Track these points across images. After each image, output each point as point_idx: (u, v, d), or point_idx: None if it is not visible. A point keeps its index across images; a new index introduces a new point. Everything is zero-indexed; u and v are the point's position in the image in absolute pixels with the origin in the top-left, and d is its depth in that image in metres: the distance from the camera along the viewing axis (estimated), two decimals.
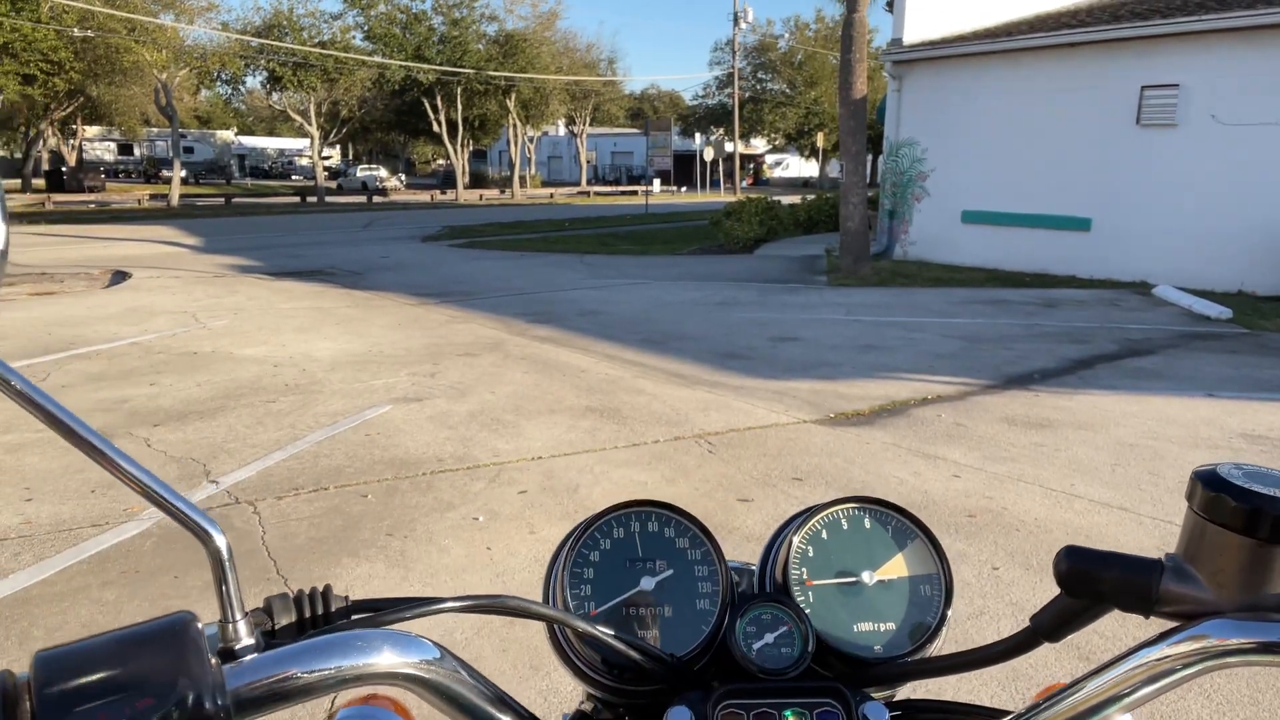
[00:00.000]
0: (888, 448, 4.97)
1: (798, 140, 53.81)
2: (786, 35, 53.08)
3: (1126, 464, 4.69)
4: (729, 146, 48.28)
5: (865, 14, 12.57)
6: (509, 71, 38.73)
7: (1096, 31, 12.25)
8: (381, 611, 0.53)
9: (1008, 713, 0.56)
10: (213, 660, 0.42)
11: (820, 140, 42.33)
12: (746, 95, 51.73)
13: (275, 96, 35.47)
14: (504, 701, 0.55)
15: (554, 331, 8.47)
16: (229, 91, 34.00)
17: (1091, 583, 0.52)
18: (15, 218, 23.69)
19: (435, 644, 0.52)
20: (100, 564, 3.45)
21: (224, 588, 0.47)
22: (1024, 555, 3.49)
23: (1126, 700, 0.50)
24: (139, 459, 2.94)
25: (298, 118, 35.86)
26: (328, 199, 37.71)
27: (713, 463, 4.68)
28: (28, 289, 11.36)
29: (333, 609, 0.52)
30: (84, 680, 0.39)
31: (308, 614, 0.51)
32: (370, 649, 0.48)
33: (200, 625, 0.44)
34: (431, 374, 6.67)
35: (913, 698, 0.65)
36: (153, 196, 34.60)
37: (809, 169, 66.54)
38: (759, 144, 62.82)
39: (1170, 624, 0.50)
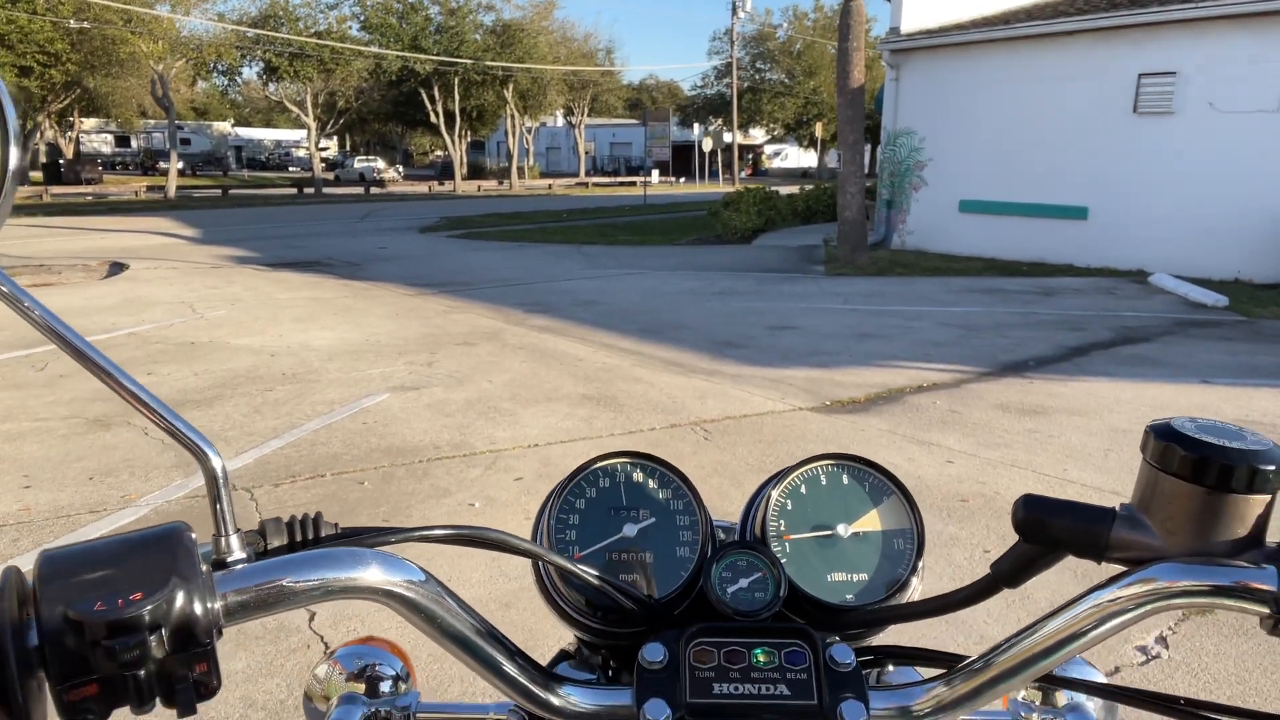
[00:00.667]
0: (883, 434, 4.99)
1: (796, 130, 53.77)
2: (785, 25, 53.02)
3: (1120, 449, 4.71)
4: (727, 137, 48.19)
5: (863, 2, 12.55)
6: (506, 62, 38.64)
7: (1093, 19, 12.24)
8: (367, 535, 0.56)
9: (969, 656, 0.59)
10: (204, 567, 0.45)
11: (819, 130, 42.28)
12: (745, 85, 51.63)
13: (272, 87, 35.40)
14: (489, 633, 0.57)
15: (552, 321, 8.48)
16: (225, 83, 33.98)
17: (1047, 530, 0.54)
18: (13, 209, 23.66)
19: (421, 568, 0.53)
20: None
21: (218, 506, 0.50)
22: (1015, 538, 3.51)
23: (1080, 641, 0.52)
24: (135, 446, 2.97)
25: (294, 109, 35.78)
26: (325, 190, 37.65)
27: (709, 450, 4.70)
28: (26, 280, 11.36)
29: (323, 534, 0.54)
30: (83, 577, 0.42)
31: (299, 537, 0.54)
32: (357, 565, 0.50)
33: (194, 535, 0.46)
34: (429, 363, 6.69)
35: (884, 644, 0.67)
36: (150, 188, 34.54)
37: (808, 159, 66.48)
38: (758, 134, 62.74)
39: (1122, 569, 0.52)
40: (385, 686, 0.75)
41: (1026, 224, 13.36)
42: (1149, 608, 0.50)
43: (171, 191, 30.93)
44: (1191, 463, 0.49)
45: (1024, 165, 13.35)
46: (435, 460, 4.51)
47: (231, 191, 35.59)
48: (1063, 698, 0.73)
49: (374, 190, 40.43)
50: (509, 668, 0.58)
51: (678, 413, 5.39)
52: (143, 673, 0.41)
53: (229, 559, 0.50)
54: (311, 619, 2.91)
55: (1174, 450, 0.49)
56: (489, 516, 3.79)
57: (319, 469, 4.37)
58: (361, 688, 0.74)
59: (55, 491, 4.07)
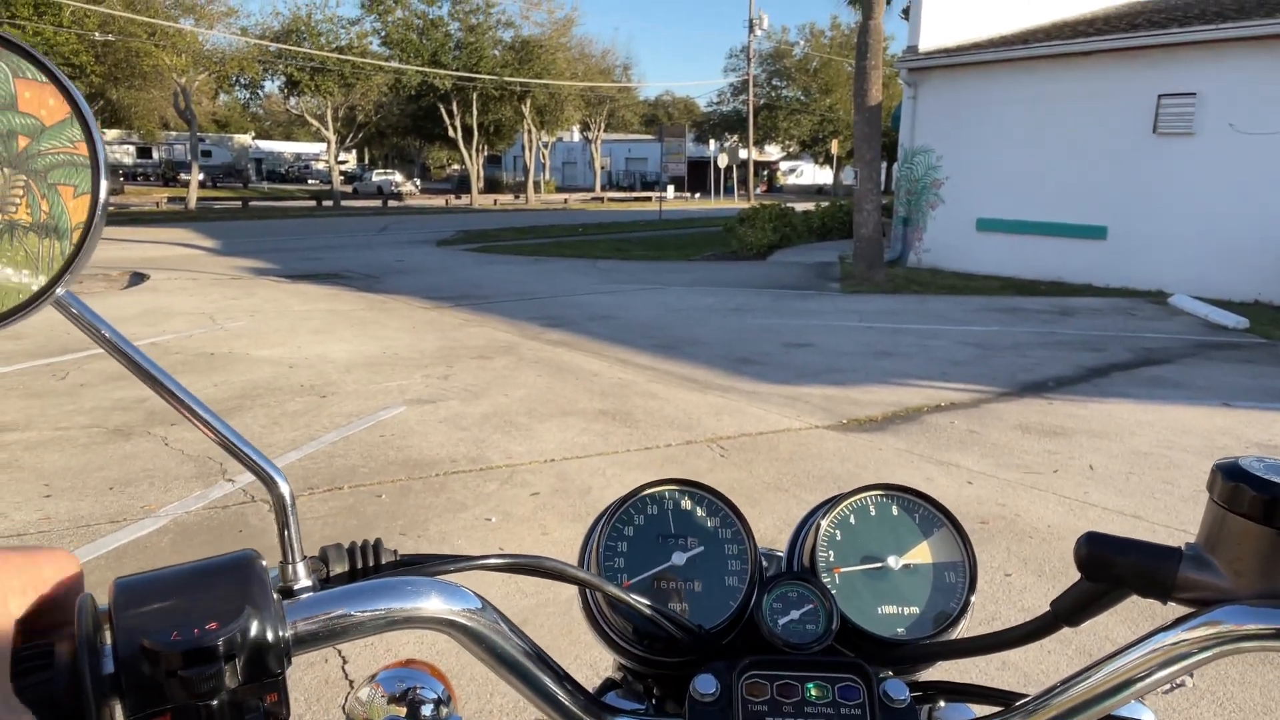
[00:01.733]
0: (900, 454, 4.96)
1: (812, 147, 53.82)
2: (802, 42, 53.17)
3: (1141, 473, 4.67)
4: (743, 153, 48.31)
5: (881, 21, 12.58)
6: (524, 77, 38.90)
7: (1113, 40, 12.22)
8: (427, 564, 0.57)
9: (1025, 695, 0.58)
10: (275, 596, 0.45)
11: (835, 147, 42.28)
12: (761, 102, 51.78)
13: (293, 101, 35.75)
14: (541, 658, 0.57)
15: (567, 335, 8.50)
16: (247, 96, 34.33)
17: (1111, 568, 0.53)
18: None
19: (478, 595, 0.54)
20: (117, 559, 3.49)
21: (286, 532, 0.51)
22: (1036, 562, 3.48)
23: (1142, 684, 0.51)
24: (156, 456, 2.99)
25: (314, 122, 36.12)
26: (343, 203, 37.96)
27: (725, 467, 4.69)
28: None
29: (383, 560, 0.55)
30: (157, 605, 0.42)
31: (360, 564, 0.55)
32: (418, 595, 0.51)
33: (264, 563, 0.47)
34: (445, 376, 6.71)
35: (933, 679, 0.67)
36: (171, 199, 34.89)
37: (823, 176, 66.53)
38: (773, 151, 62.84)
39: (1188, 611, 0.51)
40: (427, 710, 0.75)
41: (1044, 243, 13.32)
42: (1216, 650, 0.49)
43: (192, 203, 31.26)
44: (1262, 503, 0.48)
45: (1042, 184, 13.31)
46: (452, 474, 4.51)
47: (251, 203, 35.92)
48: None
49: (391, 203, 40.73)
50: (561, 696, 0.58)
51: (693, 429, 5.38)
52: (216, 703, 0.41)
53: (295, 586, 0.51)
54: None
55: (1243, 491, 0.49)
56: (505, 531, 3.78)
57: (336, 481, 4.38)
58: (403, 711, 0.75)
59: (75, 501, 4.09)
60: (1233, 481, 0.49)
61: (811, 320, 9.65)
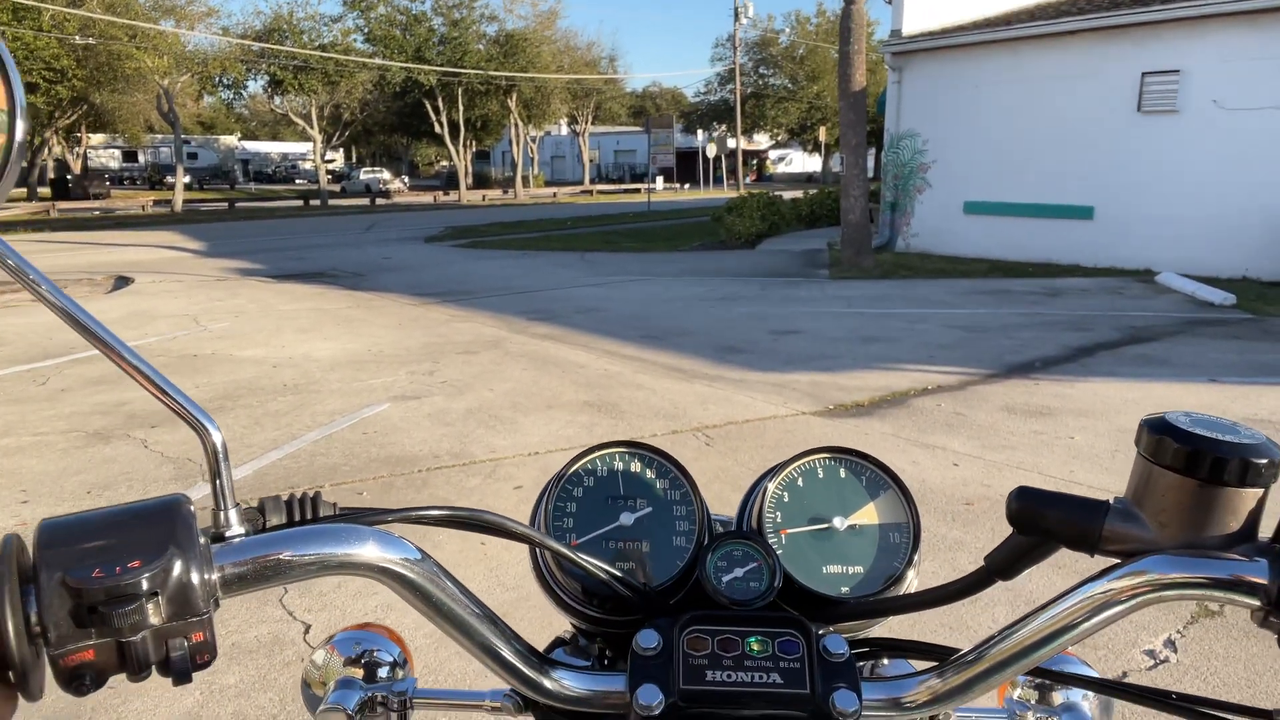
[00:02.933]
0: (886, 438, 4.94)
1: (800, 135, 53.77)
2: (788, 30, 53.04)
3: (1127, 450, 4.64)
4: (731, 143, 48.20)
5: (864, 6, 12.53)
6: (510, 71, 38.75)
7: (1096, 18, 12.19)
8: (366, 515, 0.55)
9: (962, 649, 0.59)
10: (202, 539, 0.46)
11: (823, 134, 42.23)
12: (749, 91, 51.65)
13: (277, 100, 35.55)
14: (485, 615, 0.57)
15: (554, 329, 8.46)
16: (231, 96, 34.12)
17: (1040, 521, 0.54)
18: (20, 225, 23.81)
19: (418, 548, 0.54)
20: None
21: (218, 480, 0.51)
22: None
23: (1073, 633, 0.52)
24: (135, 460, 2.95)
25: (300, 121, 35.94)
26: (331, 202, 37.79)
27: (710, 455, 4.66)
28: (30, 295, 11.37)
29: (321, 513, 0.55)
30: (81, 545, 0.43)
31: (298, 516, 0.54)
32: (355, 542, 0.51)
33: (192, 507, 0.47)
34: (430, 372, 6.67)
35: (876, 637, 0.68)
36: (156, 202, 34.70)
37: (812, 164, 66.45)
38: (762, 139, 62.74)
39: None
40: (383, 672, 0.75)
41: (1032, 225, 13.31)
42: (1141, 599, 0.50)
43: (178, 205, 31.10)
44: (1185, 455, 0.49)
45: (1028, 166, 13.30)
46: (435, 469, 4.48)
47: (238, 204, 35.72)
48: (1058, 697, 0.72)
49: (379, 201, 40.58)
50: (504, 651, 0.58)
51: (679, 419, 5.36)
52: (139, 640, 0.42)
53: (228, 533, 0.51)
54: (306, 631, 2.88)
55: (1167, 443, 0.50)
56: None
57: (317, 480, 4.35)
58: (359, 673, 0.75)
59: (53, 506, 4.05)
60: (1158, 435, 0.50)
61: (799, 307, 9.62)
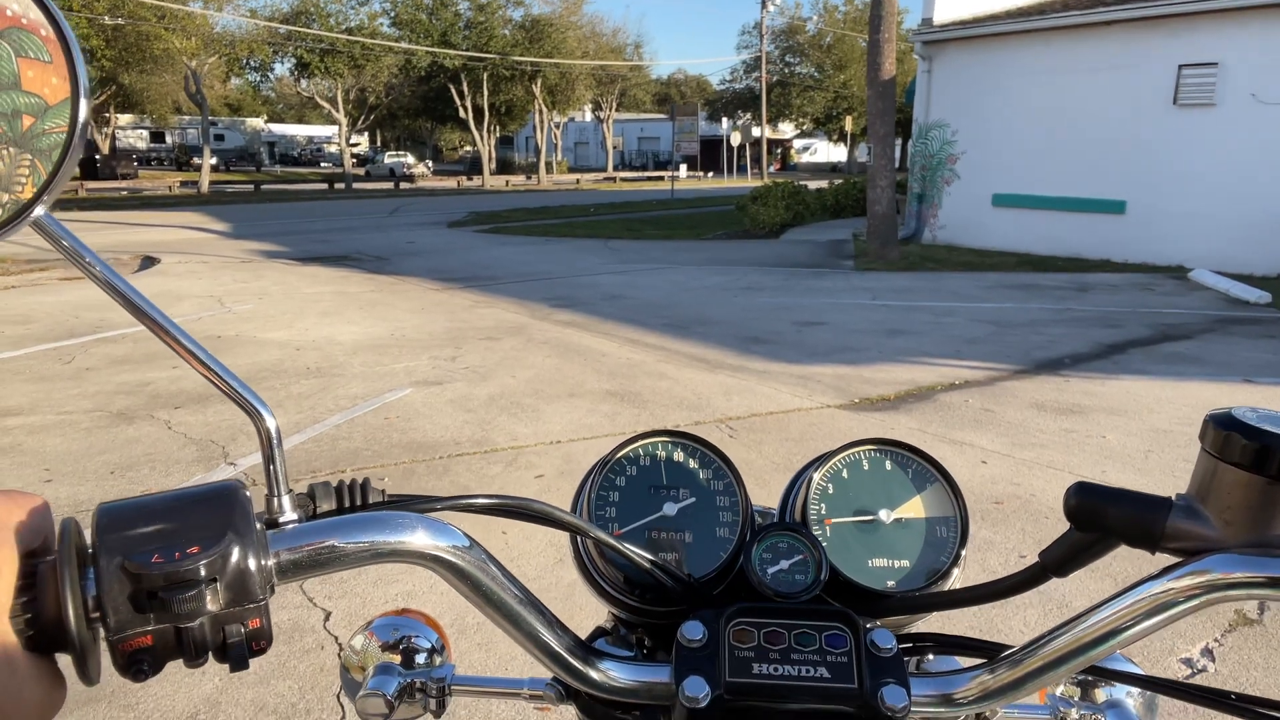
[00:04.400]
0: (913, 433, 4.87)
1: (826, 125, 53.29)
2: (815, 18, 52.53)
3: (1160, 450, 4.56)
4: (756, 131, 47.90)
5: None
6: (534, 57, 38.66)
7: (1133, 9, 11.95)
8: (414, 502, 0.56)
9: (1010, 646, 0.58)
10: (258, 525, 0.46)
11: (849, 124, 41.88)
12: (774, 79, 51.27)
13: (303, 83, 35.66)
14: (532, 603, 0.57)
15: (576, 316, 8.42)
16: (258, 79, 34.24)
17: (1100, 517, 0.53)
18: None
19: (466, 534, 0.54)
20: None
21: (271, 466, 0.51)
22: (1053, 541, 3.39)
23: (1129, 633, 0.51)
24: (158, 441, 2.95)
25: (325, 104, 36.04)
26: (355, 185, 37.92)
27: (734, 447, 4.60)
28: (58, 274, 11.49)
29: (370, 499, 0.55)
30: (139, 530, 0.43)
31: (347, 502, 0.54)
32: (405, 529, 0.51)
33: (248, 493, 0.47)
34: (453, 358, 6.65)
35: (922, 632, 0.66)
36: (183, 183, 34.94)
37: (837, 154, 65.95)
38: (786, 129, 62.30)
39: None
40: (420, 658, 0.75)
41: (1062, 218, 13.11)
42: (1204, 599, 0.48)
43: (204, 187, 31.29)
44: (1253, 452, 0.47)
45: (1060, 158, 13.09)
46: (456, 456, 4.45)
47: (263, 187, 35.92)
48: (1102, 694, 0.71)
49: (403, 185, 40.66)
50: (549, 639, 0.58)
51: (703, 410, 5.30)
52: (197, 626, 0.42)
53: (281, 519, 0.51)
54: (326, 619, 2.86)
55: (1235, 439, 0.48)
56: None
57: (339, 464, 4.33)
58: (397, 659, 0.75)
59: (75, 485, 4.06)
60: (1225, 430, 0.48)
61: (824, 299, 9.53)
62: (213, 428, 4.87)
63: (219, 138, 61.45)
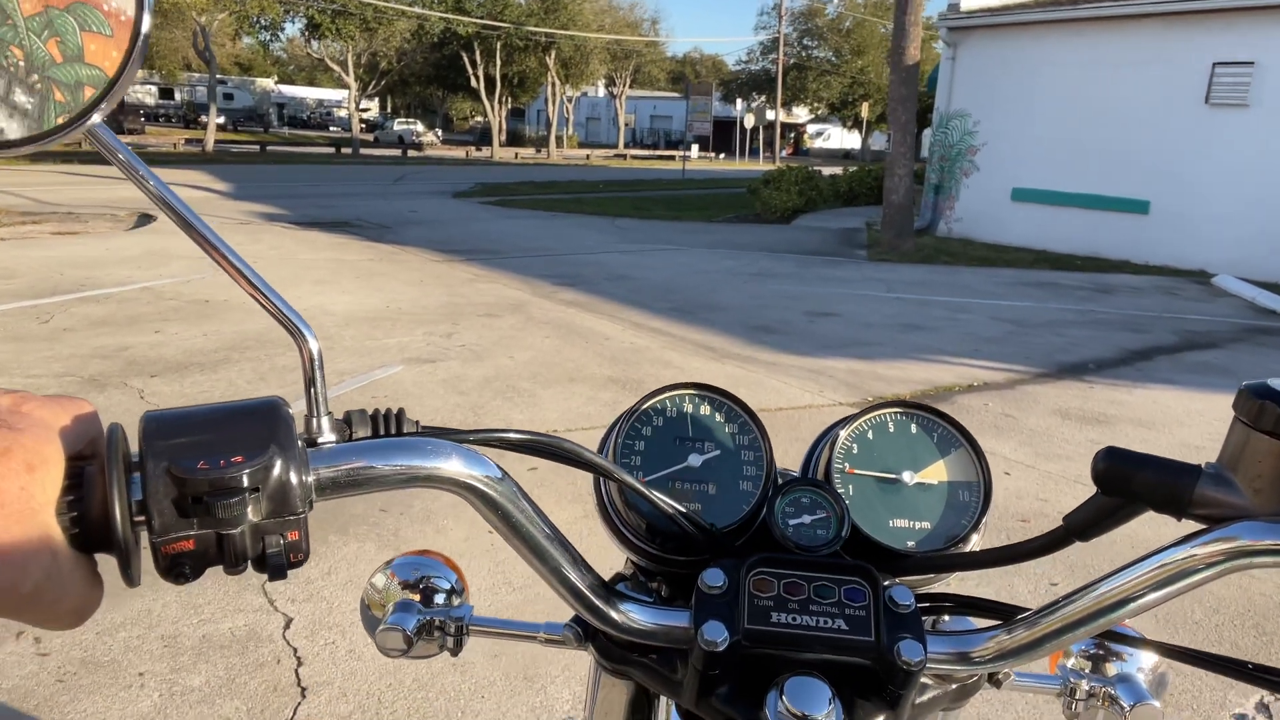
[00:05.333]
0: None
1: (841, 111, 52.72)
2: (835, 1, 51.81)
3: None
4: (770, 114, 47.32)
5: None
6: (550, 27, 38.08)
7: (1167, 3, 11.56)
8: (447, 434, 0.54)
9: (1028, 609, 0.57)
10: (299, 440, 0.46)
11: (865, 111, 41.32)
12: (791, 62, 50.65)
13: (314, 45, 35.13)
14: (559, 540, 0.57)
15: (580, 295, 8.12)
16: (268, 38, 33.67)
17: (1129, 482, 0.52)
18: (51, 156, 23.68)
19: (500, 467, 0.54)
20: None
21: (312, 389, 0.51)
22: (1086, 570, 3.11)
23: (1149, 598, 0.51)
24: (128, 411, 2.63)
25: (335, 67, 35.54)
26: (362, 151, 37.46)
27: None
28: (51, 228, 11.19)
29: (405, 429, 0.54)
30: (185, 438, 0.43)
31: (382, 430, 0.53)
32: (440, 455, 0.51)
33: (290, 410, 0.47)
34: (448, 334, 6.36)
35: (940, 592, 0.65)
36: (189, 141, 34.51)
37: (850, 140, 65.31)
38: (801, 113, 61.68)
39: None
40: (439, 598, 0.75)
41: (1083, 216, 12.76)
42: (1229, 565, 0.48)
43: (210, 146, 30.87)
44: None
45: (1084, 154, 12.72)
46: None
47: (269, 148, 35.51)
48: (1112, 667, 0.71)
49: (411, 153, 40.20)
50: (574, 576, 0.58)
51: None
52: (238, 534, 0.43)
53: (319, 439, 0.50)
54: (287, 626, 2.59)
55: (1270, 409, 0.47)
56: None
57: None
58: (416, 597, 0.75)
59: None
60: (1260, 399, 0.48)
61: (836, 288, 9.22)
62: (187, 399, 4.59)
63: (228, 97, 60.95)
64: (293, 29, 36.82)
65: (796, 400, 5.16)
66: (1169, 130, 11.87)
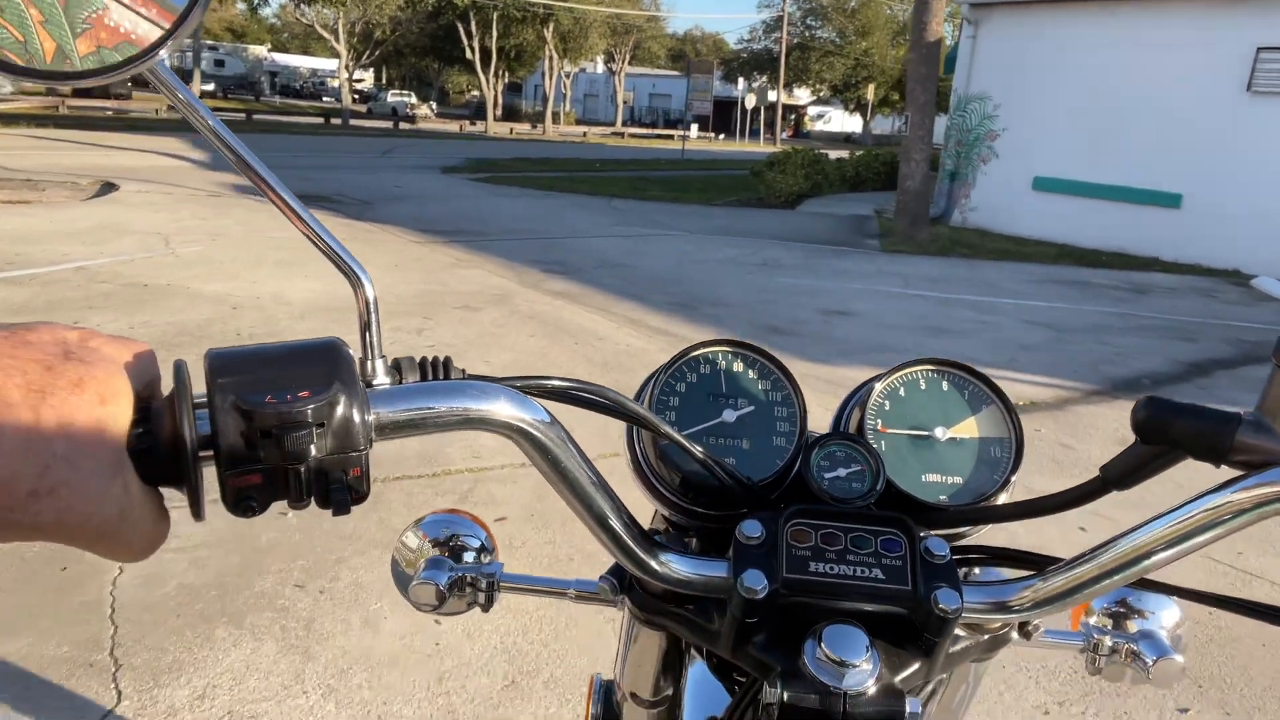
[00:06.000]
0: None
1: (843, 93, 51.73)
2: None
3: None
4: (772, 95, 46.31)
5: None
6: None
7: None
8: (496, 380, 0.55)
9: (1062, 560, 0.57)
10: (360, 382, 0.46)
11: (870, 93, 40.38)
12: (794, 42, 49.62)
13: (304, 10, 34.02)
14: (604, 487, 0.57)
15: (571, 285, 7.35)
16: (257, 2, 32.48)
17: (1169, 430, 0.53)
18: (24, 119, 22.70)
19: (549, 411, 0.54)
20: None
21: (368, 334, 0.52)
22: (1219, 686, 2.39)
23: (1186, 544, 0.51)
24: None
25: (326, 34, 34.44)
26: (353, 123, 36.37)
27: None
28: (3, 196, 10.35)
29: (452, 376, 0.54)
30: (250, 375, 0.44)
31: (430, 376, 0.53)
32: (492, 399, 0.51)
33: (350, 351, 0.48)
34: (419, 330, 5.60)
35: (974, 544, 0.65)
36: (170, 107, 33.35)
37: (852, 123, 64.33)
38: (802, 95, 60.66)
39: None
40: (469, 556, 0.77)
41: (1109, 209, 11.98)
42: (1266, 509, 0.49)
43: None
44: None
45: (1112, 143, 11.92)
46: (392, 480, 3.41)
47: (256, 117, 34.40)
48: (1134, 625, 0.72)
49: (403, 126, 39.10)
50: (617, 525, 0.58)
51: None
52: (303, 468, 0.43)
53: (375, 381, 0.51)
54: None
55: None
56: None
57: None
58: (447, 554, 0.76)
59: None
60: None
61: (850, 283, 8.46)
62: None
63: (219, 64, 59.70)
64: None
65: (818, 422, 4.40)
66: (1206, 119, 11.09)
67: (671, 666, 0.73)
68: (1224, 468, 0.52)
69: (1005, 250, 11.46)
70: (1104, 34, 11.92)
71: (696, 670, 0.70)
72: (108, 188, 11.67)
